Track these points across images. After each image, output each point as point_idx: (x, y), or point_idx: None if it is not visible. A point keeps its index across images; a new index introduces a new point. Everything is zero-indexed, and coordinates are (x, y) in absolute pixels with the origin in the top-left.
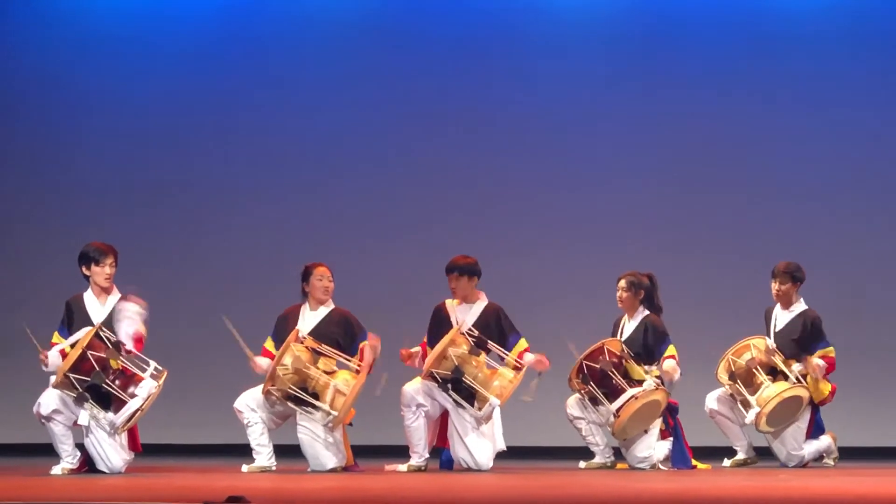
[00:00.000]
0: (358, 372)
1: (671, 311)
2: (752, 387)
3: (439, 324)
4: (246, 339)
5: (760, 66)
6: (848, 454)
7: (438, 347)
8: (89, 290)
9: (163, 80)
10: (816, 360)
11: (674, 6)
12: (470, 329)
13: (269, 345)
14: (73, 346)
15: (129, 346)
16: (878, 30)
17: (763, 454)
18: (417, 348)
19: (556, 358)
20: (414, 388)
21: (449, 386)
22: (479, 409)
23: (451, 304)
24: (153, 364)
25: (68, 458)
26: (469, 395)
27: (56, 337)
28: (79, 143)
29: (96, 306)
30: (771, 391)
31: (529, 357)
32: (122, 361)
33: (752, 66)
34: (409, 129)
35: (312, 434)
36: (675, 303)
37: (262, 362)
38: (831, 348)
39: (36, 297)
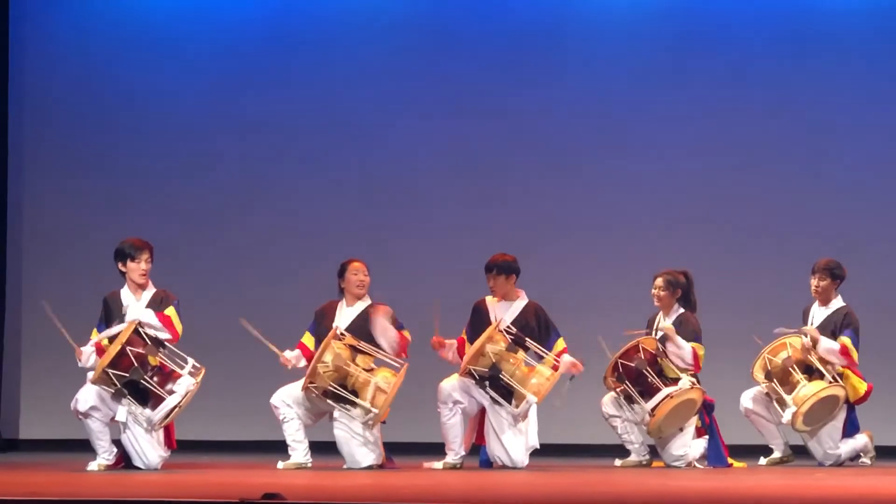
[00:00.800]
0: (398, 369)
1: (707, 309)
2: (789, 385)
3: (478, 320)
4: (277, 335)
5: (803, 64)
6: (885, 453)
7: (477, 344)
8: (125, 286)
9: (197, 79)
10: (828, 342)
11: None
12: (508, 326)
13: (306, 339)
14: (110, 340)
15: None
16: None
17: (799, 453)
18: (452, 340)
19: (592, 356)
20: (451, 384)
21: (486, 383)
22: (517, 406)
23: (490, 301)
24: (191, 361)
25: (105, 454)
26: (506, 393)
27: (95, 335)
28: (113, 142)
29: (132, 302)
30: (807, 390)
31: (567, 359)
32: (161, 358)
33: (795, 65)
34: (447, 127)
35: (349, 431)
36: (710, 300)
37: (291, 356)
38: (847, 339)
39: (73, 295)
